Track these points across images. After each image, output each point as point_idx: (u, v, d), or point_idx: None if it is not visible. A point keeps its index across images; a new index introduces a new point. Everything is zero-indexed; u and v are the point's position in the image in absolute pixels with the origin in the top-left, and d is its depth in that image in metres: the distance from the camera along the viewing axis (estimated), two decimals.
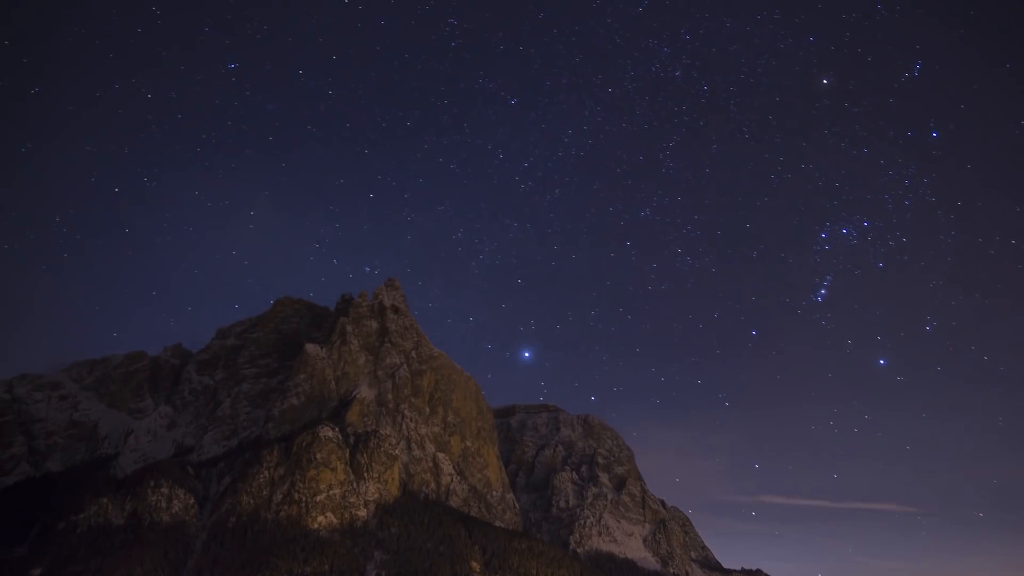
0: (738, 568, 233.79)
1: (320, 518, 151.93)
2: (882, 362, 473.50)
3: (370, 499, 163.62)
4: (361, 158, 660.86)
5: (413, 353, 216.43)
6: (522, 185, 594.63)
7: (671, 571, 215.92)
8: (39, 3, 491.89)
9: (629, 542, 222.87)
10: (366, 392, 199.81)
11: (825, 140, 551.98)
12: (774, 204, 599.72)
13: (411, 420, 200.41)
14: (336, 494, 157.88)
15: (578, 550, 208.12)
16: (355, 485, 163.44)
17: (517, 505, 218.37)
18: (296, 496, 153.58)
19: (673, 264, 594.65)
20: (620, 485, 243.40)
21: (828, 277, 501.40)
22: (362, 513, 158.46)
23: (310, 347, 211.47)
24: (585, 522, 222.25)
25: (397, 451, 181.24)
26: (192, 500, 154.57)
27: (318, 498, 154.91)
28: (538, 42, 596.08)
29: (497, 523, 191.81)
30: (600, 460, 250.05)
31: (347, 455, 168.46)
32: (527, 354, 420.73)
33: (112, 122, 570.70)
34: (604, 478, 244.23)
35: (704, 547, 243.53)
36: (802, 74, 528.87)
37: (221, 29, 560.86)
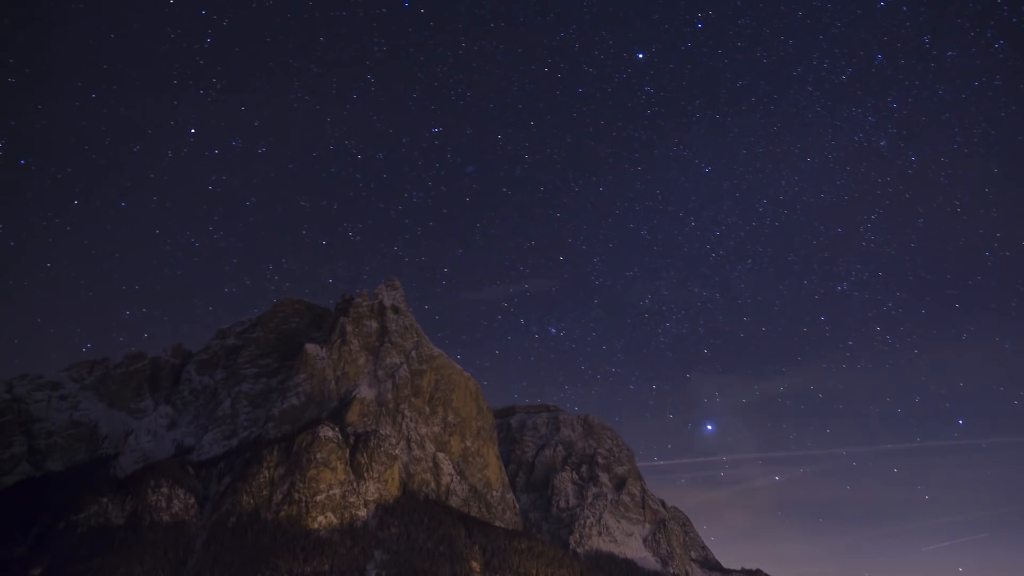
0: (738, 568, 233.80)
1: (320, 518, 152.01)
2: None
3: (370, 499, 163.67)
4: (553, 221, 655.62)
5: (413, 353, 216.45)
6: (713, 254, 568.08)
7: (671, 571, 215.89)
8: (269, 74, 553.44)
9: (629, 542, 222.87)
10: (366, 392, 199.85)
11: None
12: (989, 284, 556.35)
13: (411, 420, 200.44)
14: (336, 494, 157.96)
15: (578, 550, 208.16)
16: (355, 485, 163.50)
17: (517, 505, 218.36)
18: (296, 496, 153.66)
19: (871, 343, 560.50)
20: (620, 485, 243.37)
21: None
22: (362, 513, 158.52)
23: (310, 347, 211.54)
24: (585, 522, 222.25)
25: (397, 451, 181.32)
26: (192, 500, 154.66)
27: (318, 498, 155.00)
28: (735, 110, 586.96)
29: (497, 523, 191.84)
30: (600, 460, 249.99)
31: (347, 455, 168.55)
32: (710, 427, 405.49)
33: (324, 179, 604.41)
34: (604, 478, 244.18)
35: (704, 547, 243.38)
36: None
37: (428, 95, 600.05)
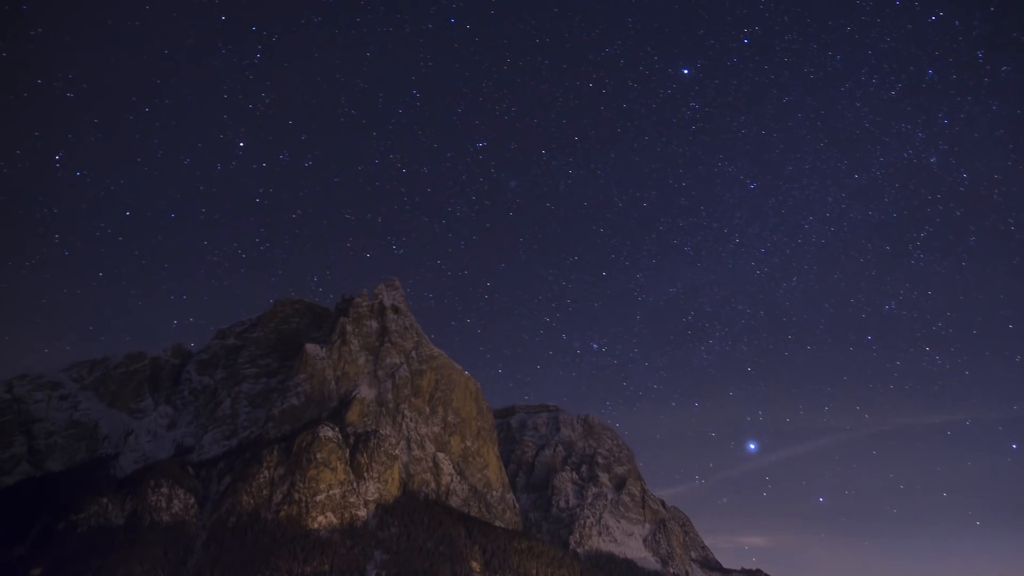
0: (738, 568, 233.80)
1: (320, 518, 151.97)
2: None
3: (370, 499, 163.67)
4: (596, 237, 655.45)
5: (413, 353, 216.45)
6: (757, 271, 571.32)
7: (671, 571, 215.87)
8: (316, 88, 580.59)
9: (629, 542, 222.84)
10: (366, 392, 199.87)
11: None
12: None
13: (411, 420, 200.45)
14: (336, 494, 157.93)
15: (578, 550, 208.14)
16: (355, 485, 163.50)
17: (517, 505, 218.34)
18: (296, 496, 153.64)
19: (920, 363, 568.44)
20: (620, 485, 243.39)
21: None
22: (362, 513, 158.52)
23: (310, 347, 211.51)
24: (585, 522, 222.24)
25: (397, 451, 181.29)
26: (192, 500, 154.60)
27: (318, 498, 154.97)
28: (781, 126, 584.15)
29: (497, 523, 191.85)
30: (600, 460, 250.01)
31: (347, 455, 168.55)
32: (752, 446, 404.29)
33: (369, 193, 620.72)
34: (604, 478, 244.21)
35: (704, 547, 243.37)
36: None
37: (473, 110, 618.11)
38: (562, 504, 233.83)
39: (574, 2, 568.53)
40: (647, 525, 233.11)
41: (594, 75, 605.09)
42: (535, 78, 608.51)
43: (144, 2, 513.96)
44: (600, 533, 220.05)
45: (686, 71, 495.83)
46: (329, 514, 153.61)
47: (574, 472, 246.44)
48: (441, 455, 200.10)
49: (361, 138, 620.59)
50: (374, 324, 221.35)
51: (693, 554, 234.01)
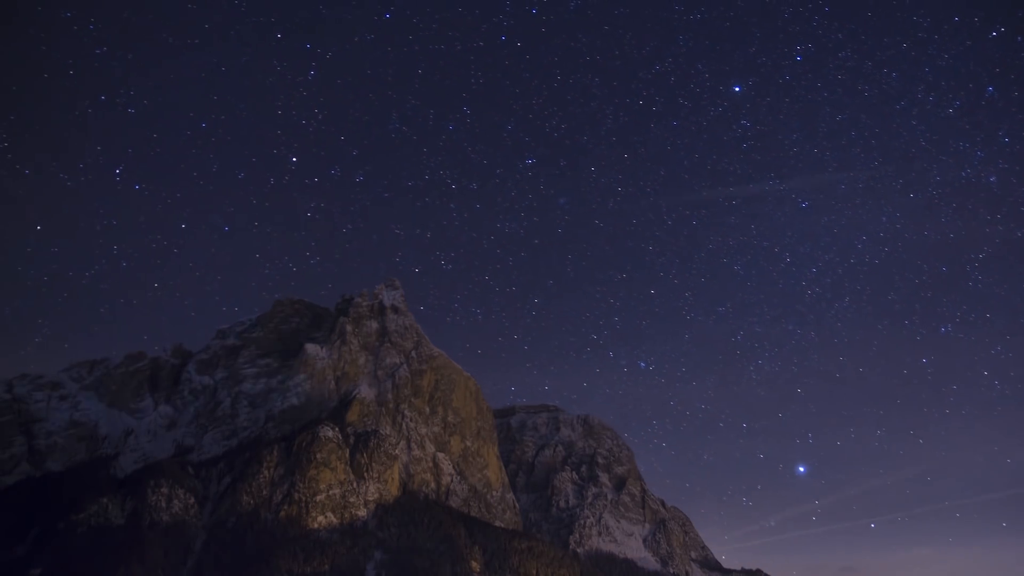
0: (738, 568, 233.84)
1: (320, 518, 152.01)
2: None
3: (370, 499, 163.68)
4: (645, 255, 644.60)
5: (413, 353, 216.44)
6: (809, 291, 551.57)
7: (671, 571, 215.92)
8: (368, 105, 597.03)
9: (629, 542, 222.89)
10: (366, 392, 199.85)
11: None
12: None
13: (411, 420, 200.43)
14: (336, 494, 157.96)
15: (578, 550, 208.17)
16: (355, 485, 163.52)
17: (517, 505, 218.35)
18: (296, 496, 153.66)
19: (977, 387, 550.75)
20: (620, 485, 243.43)
21: None
22: (362, 513, 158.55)
23: (310, 347, 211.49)
24: (585, 522, 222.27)
25: (397, 451, 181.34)
26: (192, 500, 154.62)
27: (318, 498, 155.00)
28: (834, 144, 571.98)
29: (497, 523, 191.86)
30: (600, 460, 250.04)
31: (347, 455, 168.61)
32: (802, 469, 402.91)
33: (419, 208, 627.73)
34: (604, 478, 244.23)
35: (704, 547, 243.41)
36: None
37: (522, 127, 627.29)
38: (562, 504, 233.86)
39: (625, 20, 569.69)
40: (647, 525, 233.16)
41: (644, 92, 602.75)
42: (585, 95, 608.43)
43: (203, 21, 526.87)
44: (600, 533, 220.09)
45: (737, 89, 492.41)
46: (329, 514, 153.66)
47: (574, 472, 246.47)
48: (441, 455, 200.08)
49: (411, 154, 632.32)
50: (374, 324, 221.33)
51: (693, 554, 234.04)
